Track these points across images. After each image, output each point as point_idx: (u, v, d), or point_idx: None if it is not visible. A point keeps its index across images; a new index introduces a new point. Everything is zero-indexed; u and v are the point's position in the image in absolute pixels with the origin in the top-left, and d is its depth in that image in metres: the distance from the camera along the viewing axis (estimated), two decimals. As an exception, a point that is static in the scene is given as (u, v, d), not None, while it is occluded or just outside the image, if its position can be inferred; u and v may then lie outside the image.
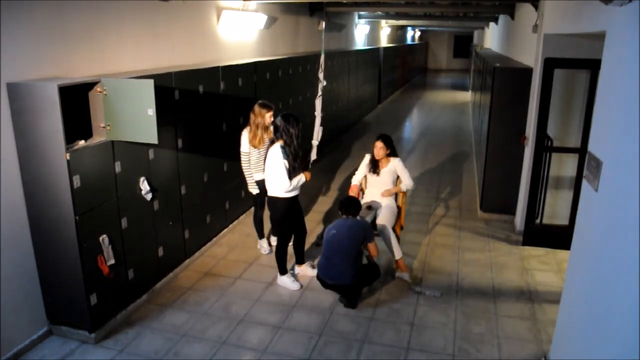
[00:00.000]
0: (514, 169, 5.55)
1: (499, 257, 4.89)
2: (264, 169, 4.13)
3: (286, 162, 3.91)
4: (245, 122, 5.47)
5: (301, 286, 4.27)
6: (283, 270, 4.29)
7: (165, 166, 4.12)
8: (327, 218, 5.78)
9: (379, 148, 4.45)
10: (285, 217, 4.14)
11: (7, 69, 3.02)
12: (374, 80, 13.43)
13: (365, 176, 4.68)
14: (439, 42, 30.19)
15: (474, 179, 7.47)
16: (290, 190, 4.01)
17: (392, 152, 4.56)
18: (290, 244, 4.35)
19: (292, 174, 3.96)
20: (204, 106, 4.64)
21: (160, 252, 4.15)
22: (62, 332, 3.53)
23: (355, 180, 4.67)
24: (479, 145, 7.36)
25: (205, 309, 3.94)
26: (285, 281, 4.29)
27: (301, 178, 4.05)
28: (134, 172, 3.73)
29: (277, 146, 3.94)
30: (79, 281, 3.32)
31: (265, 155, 4.08)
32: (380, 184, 4.56)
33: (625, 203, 2.16)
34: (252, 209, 5.90)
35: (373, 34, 14.55)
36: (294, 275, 4.40)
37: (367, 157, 4.63)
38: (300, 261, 4.45)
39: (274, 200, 4.08)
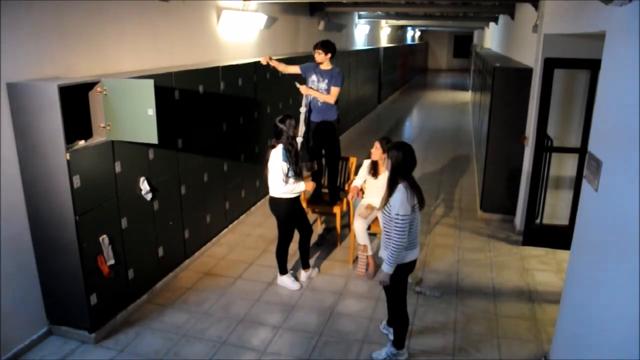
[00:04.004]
0: (514, 169, 5.56)
1: (499, 257, 4.89)
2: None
3: (286, 164, 3.91)
4: (246, 122, 5.49)
5: (301, 286, 4.27)
6: (283, 270, 4.29)
7: (165, 166, 4.12)
8: (327, 218, 5.77)
9: (376, 148, 4.44)
10: (289, 218, 4.14)
11: (7, 69, 3.02)
12: (374, 80, 13.42)
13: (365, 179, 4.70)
14: (439, 42, 30.18)
15: (474, 179, 7.47)
16: (285, 192, 3.99)
17: None
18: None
19: (290, 176, 3.95)
20: (204, 106, 4.64)
21: (160, 252, 4.15)
22: (62, 332, 3.53)
23: (356, 183, 4.67)
24: (479, 145, 7.36)
25: (205, 309, 3.94)
26: (285, 281, 4.29)
27: (300, 185, 4.00)
28: (134, 172, 3.73)
29: (280, 148, 3.93)
30: (79, 281, 3.32)
31: (267, 157, 4.04)
32: (379, 187, 4.56)
33: (625, 203, 2.16)
34: (253, 208, 5.93)
35: (373, 34, 14.55)
36: (294, 275, 4.40)
37: (367, 162, 4.64)
38: (305, 265, 4.42)
39: (276, 201, 4.08)
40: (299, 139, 5.02)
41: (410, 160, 3.04)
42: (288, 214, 4.10)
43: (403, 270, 3.16)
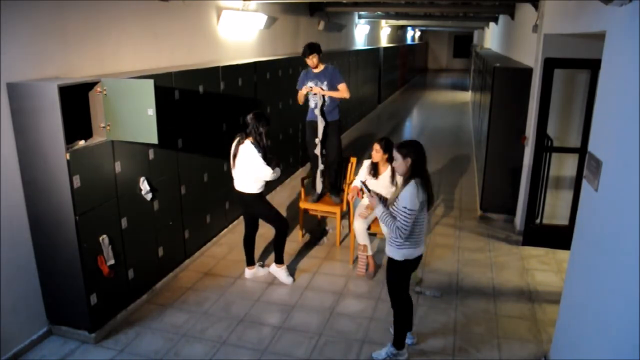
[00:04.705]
0: (514, 169, 5.56)
1: (499, 257, 4.89)
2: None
3: (260, 155, 3.93)
4: (245, 122, 5.46)
5: (294, 280, 4.33)
6: (280, 260, 4.32)
7: (165, 166, 4.12)
8: (327, 218, 5.77)
9: (376, 151, 4.45)
10: (268, 205, 4.18)
11: (7, 69, 3.02)
12: (374, 80, 13.43)
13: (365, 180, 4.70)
14: (439, 42, 30.17)
15: (474, 178, 7.47)
16: (263, 181, 4.04)
17: (392, 158, 4.56)
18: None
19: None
20: (204, 106, 4.64)
21: (160, 252, 4.15)
22: (62, 332, 3.53)
23: (356, 183, 4.67)
24: (479, 145, 7.36)
25: (205, 309, 3.94)
26: (280, 273, 4.31)
27: (277, 170, 4.03)
28: (134, 172, 3.73)
29: (248, 143, 3.93)
30: (79, 281, 3.32)
31: (235, 152, 4.02)
32: (379, 187, 4.56)
33: (625, 203, 2.16)
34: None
35: (373, 34, 14.55)
36: (288, 269, 4.43)
37: (367, 163, 4.64)
38: (251, 262, 4.45)
39: (244, 196, 4.10)
40: (317, 141, 5.04)
41: (423, 158, 3.15)
42: (264, 203, 4.16)
43: (407, 266, 3.18)
